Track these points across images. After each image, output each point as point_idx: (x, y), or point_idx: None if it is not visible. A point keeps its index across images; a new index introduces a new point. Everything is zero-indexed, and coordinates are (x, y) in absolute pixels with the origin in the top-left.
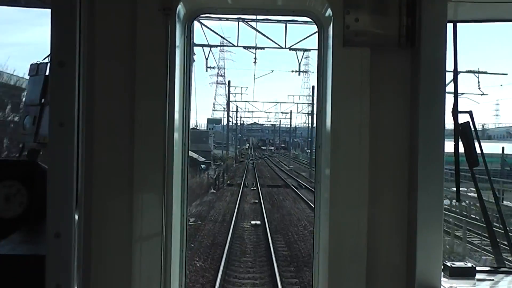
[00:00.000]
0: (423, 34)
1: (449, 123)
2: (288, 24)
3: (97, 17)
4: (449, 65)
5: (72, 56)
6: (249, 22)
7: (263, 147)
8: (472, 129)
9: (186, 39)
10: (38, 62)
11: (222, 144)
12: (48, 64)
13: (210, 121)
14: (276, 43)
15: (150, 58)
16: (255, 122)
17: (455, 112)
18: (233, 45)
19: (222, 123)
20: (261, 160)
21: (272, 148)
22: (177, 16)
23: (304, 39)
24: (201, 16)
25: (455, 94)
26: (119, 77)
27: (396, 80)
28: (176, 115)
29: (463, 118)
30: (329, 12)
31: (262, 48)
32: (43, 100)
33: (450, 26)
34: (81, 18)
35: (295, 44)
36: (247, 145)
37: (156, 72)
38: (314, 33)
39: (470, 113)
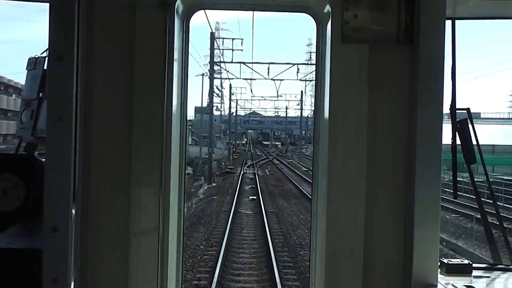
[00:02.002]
0: (421, 31)
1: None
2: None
3: (96, 11)
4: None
5: (70, 50)
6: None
7: (265, 142)
8: (470, 126)
9: (184, 34)
10: (36, 56)
11: (210, 137)
12: (46, 58)
13: (198, 110)
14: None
15: (148, 52)
16: (254, 111)
17: (453, 109)
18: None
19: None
20: (272, 167)
21: (279, 143)
22: (176, 11)
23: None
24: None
25: (453, 91)
26: (118, 71)
27: (394, 76)
28: (174, 110)
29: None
30: (327, 8)
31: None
32: (41, 94)
33: (448, 23)
34: (80, 12)
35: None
36: (245, 139)
37: (155, 67)
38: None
39: (467, 110)
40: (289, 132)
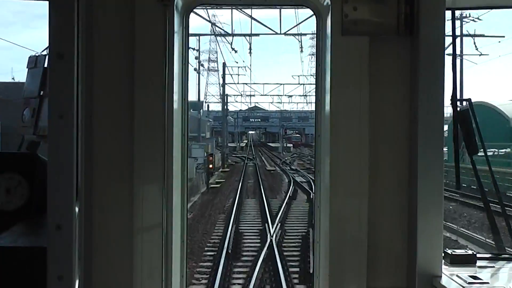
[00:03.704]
0: (421, 22)
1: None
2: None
3: (95, 8)
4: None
5: (70, 47)
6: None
7: (272, 144)
8: (472, 116)
9: (184, 30)
10: (37, 55)
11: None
12: (47, 56)
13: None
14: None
15: (148, 49)
16: (255, 106)
17: (454, 99)
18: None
19: (203, 108)
20: None
21: (290, 145)
22: (175, 7)
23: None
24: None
25: (454, 81)
26: (118, 68)
27: (395, 68)
28: (175, 106)
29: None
30: (327, 1)
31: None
32: (42, 93)
33: (448, 13)
34: (79, 9)
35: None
36: (245, 141)
37: (155, 63)
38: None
39: (469, 100)
40: (298, 130)
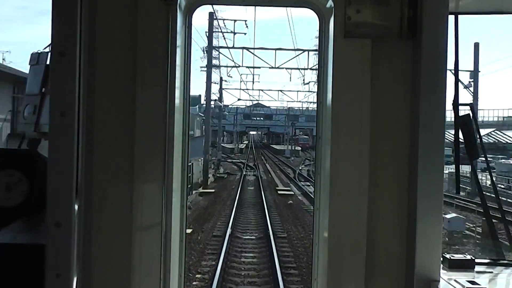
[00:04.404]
0: (424, 25)
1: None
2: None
3: (98, 6)
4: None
5: (73, 45)
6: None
7: (276, 146)
8: (473, 121)
9: (187, 30)
10: (39, 51)
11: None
12: (49, 54)
13: None
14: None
15: (151, 48)
16: (258, 103)
17: (456, 104)
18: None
19: (199, 103)
20: None
21: (299, 148)
22: (178, 7)
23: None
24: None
25: (456, 86)
26: (120, 66)
27: (397, 71)
28: (177, 104)
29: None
30: (330, 3)
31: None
32: (43, 90)
33: (451, 18)
34: (82, 7)
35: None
36: (245, 142)
37: (157, 63)
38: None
39: (470, 105)
40: (303, 132)
